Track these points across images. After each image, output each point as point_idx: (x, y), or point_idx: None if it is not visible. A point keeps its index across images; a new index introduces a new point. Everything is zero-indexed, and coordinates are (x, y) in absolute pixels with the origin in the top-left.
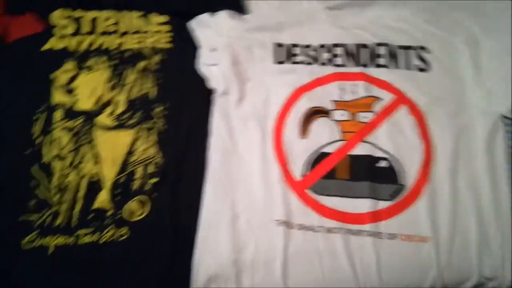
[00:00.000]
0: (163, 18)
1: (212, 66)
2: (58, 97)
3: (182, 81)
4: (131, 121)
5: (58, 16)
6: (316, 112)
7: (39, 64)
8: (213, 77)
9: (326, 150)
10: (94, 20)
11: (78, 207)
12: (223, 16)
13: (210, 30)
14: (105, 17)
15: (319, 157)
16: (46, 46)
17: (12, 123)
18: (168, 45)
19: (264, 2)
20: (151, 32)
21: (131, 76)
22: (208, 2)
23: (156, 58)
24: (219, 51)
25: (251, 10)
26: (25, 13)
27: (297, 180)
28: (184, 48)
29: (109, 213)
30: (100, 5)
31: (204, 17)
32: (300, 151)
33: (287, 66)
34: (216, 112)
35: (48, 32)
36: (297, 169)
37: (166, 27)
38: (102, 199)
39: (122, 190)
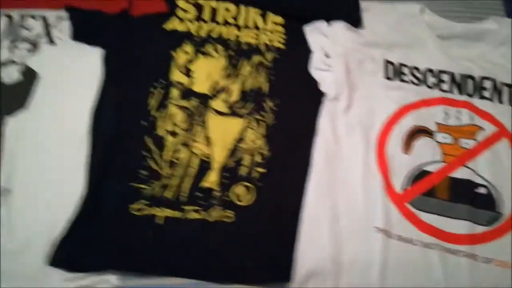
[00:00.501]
0: (279, 19)
1: (323, 71)
2: (177, 75)
3: (292, 81)
4: (242, 111)
5: (181, 0)
6: (420, 131)
7: (160, 41)
8: (325, 82)
9: (427, 168)
10: (214, 9)
11: (188, 183)
12: (340, 27)
13: (325, 37)
14: (225, 8)
15: (420, 174)
16: (168, 26)
17: (130, 93)
18: (281, 46)
19: (379, 20)
20: (266, 30)
21: (246, 68)
22: (325, 11)
23: (270, 56)
24: (333, 59)
25: (365, 26)
26: None
27: (398, 193)
28: (296, 50)
29: (217, 194)
30: None
31: (321, 24)
32: (402, 165)
33: (395, 83)
34: (324, 114)
35: (170, 13)
36: (398, 182)
37: (281, 28)
38: (212, 179)
39: (230, 174)
